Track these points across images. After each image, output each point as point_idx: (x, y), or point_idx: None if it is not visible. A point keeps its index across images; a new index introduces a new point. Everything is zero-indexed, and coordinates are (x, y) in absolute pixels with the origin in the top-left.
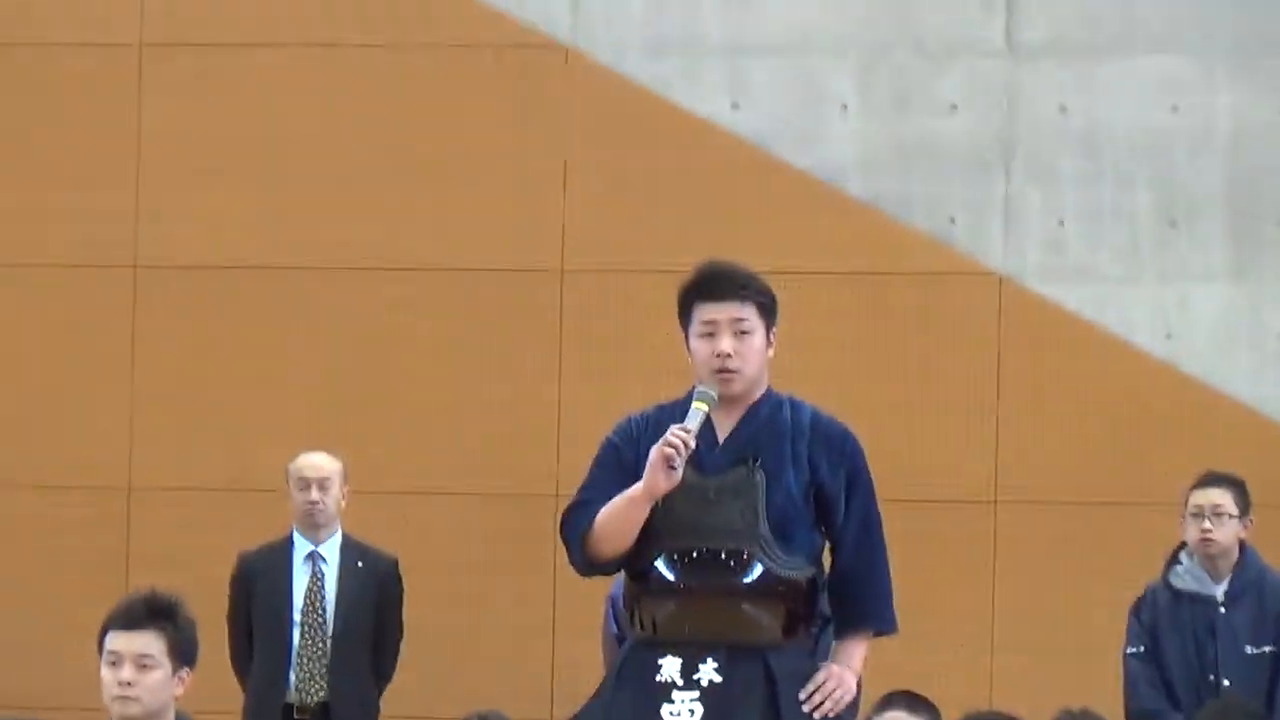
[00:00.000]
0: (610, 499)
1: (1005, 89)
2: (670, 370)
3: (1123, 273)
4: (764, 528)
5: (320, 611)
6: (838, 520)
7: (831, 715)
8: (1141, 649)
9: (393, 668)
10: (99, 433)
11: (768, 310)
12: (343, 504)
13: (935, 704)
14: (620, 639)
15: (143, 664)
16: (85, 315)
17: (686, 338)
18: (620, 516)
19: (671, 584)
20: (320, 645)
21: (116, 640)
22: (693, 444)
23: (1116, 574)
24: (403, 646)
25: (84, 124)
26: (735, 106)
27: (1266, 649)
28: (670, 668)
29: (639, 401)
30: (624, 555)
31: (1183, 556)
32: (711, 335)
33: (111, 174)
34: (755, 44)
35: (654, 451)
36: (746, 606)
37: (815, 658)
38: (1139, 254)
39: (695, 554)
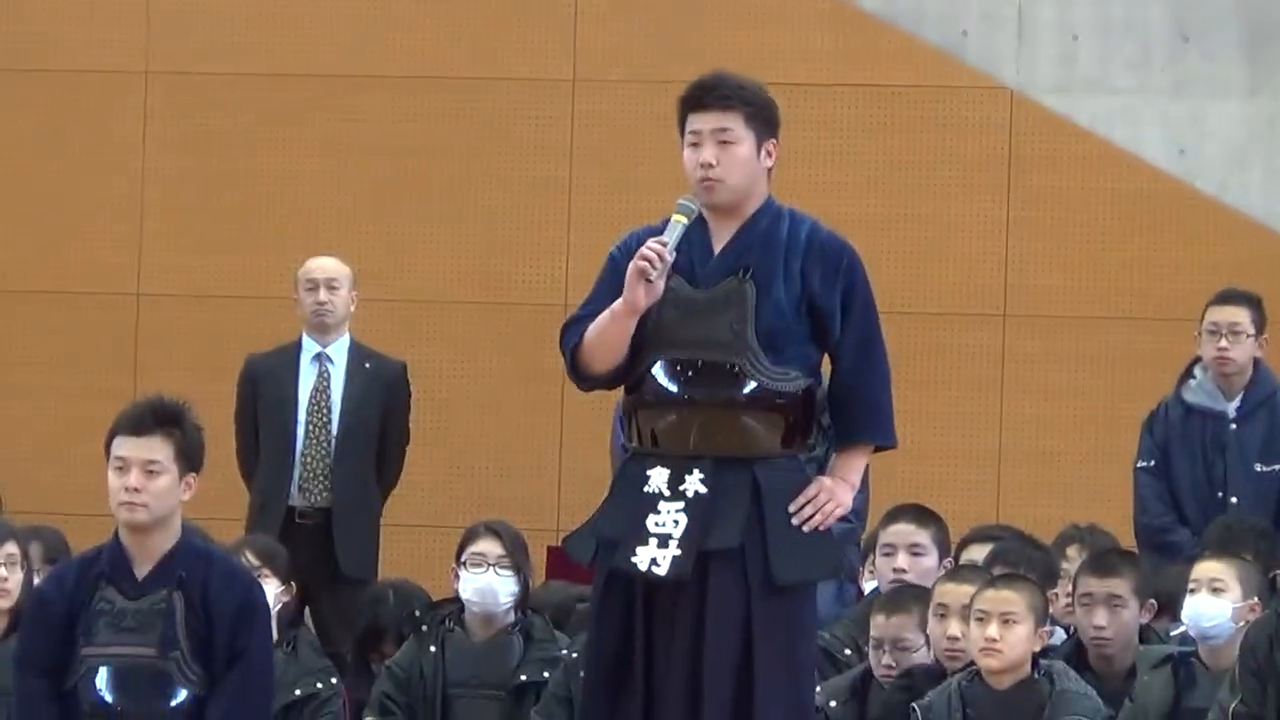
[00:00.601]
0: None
1: None
2: (679, 181)
3: (1135, 87)
4: (752, 339)
5: (325, 412)
6: (834, 334)
7: (822, 528)
8: (1152, 463)
9: (397, 473)
10: (109, 238)
11: (759, 119)
12: (352, 308)
13: (942, 517)
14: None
15: (150, 469)
16: (94, 121)
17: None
18: (605, 331)
19: (667, 394)
20: (324, 446)
21: (123, 446)
22: (670, 256)
23: (1126, 389)
24: (409, 452)
25: None
26: None
27: (1277, 467)
28: (658, 479)
29: (648, 213)
30: (617, 369)
31: (1196, 371)
32: (696, 145)
33: None
34: None
35: (630, 265)
36: (745, 418)
37: (809, 470)
38: (1151, 68)
39: (691, 365)
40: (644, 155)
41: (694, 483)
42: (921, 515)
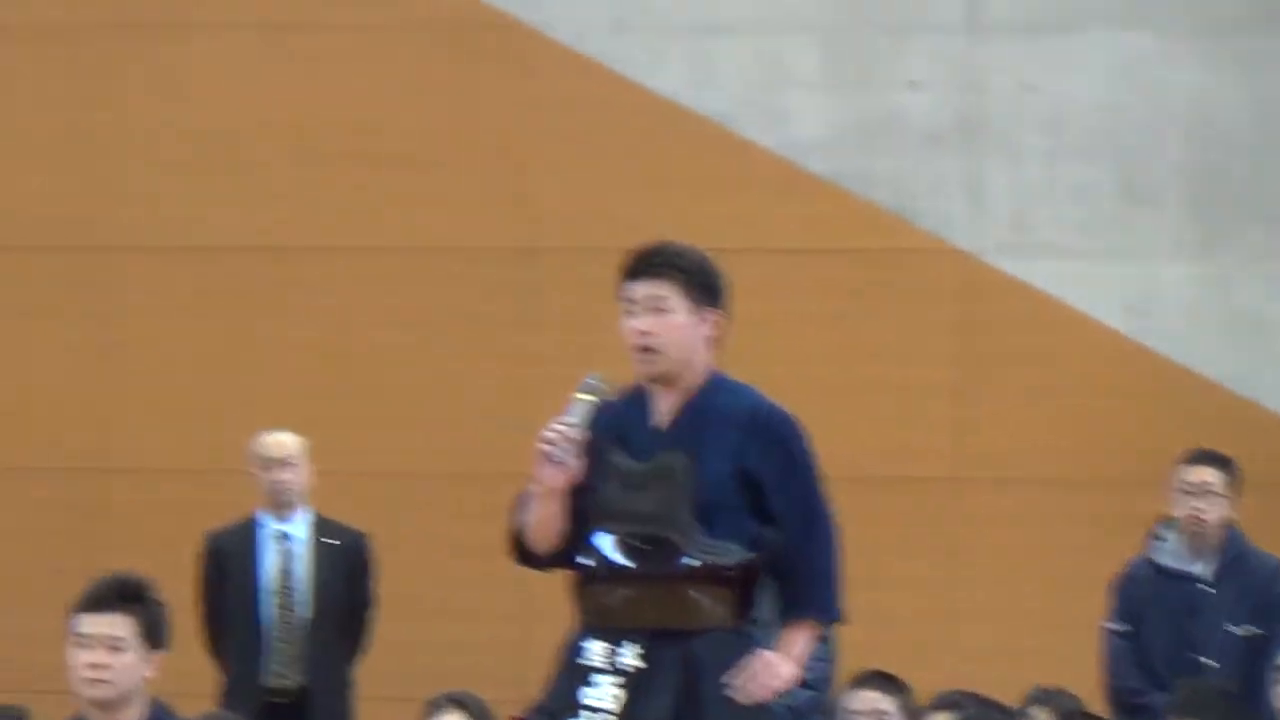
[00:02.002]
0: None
1: (967, 66)
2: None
3: (1086, 249)
4: (685, 514)
5: (291, 592)
6: (775, 506)
7: (757, 701)
8: (1124, 626)
9: (366, 642)
10: (72, 415)
11: (696, 287)
12: (309, 482)
13: (906, 683)
14: None
15: (113, 646)
16: (59, 298)
17: None
18: (535, 511)
19: (609, 568)
20: (294, 628)
21: (85, 623)
22: (572, 435)
23: (1082, 550)
24: (376, 621)
25: (58, 106)
26: (697, 84)
27: (1251, 629)
28: (593, 652)
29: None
30: (556, 549)
31: (1164, 532)
32: (631, 313)
33: (86, 156)
34: (718, 22)
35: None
36: (689, 591)
37: (753, 640)
38: (1102, 230)
39: (631, 539)
40: (599, 325)
41: (630, 656)
42: (887, 683)
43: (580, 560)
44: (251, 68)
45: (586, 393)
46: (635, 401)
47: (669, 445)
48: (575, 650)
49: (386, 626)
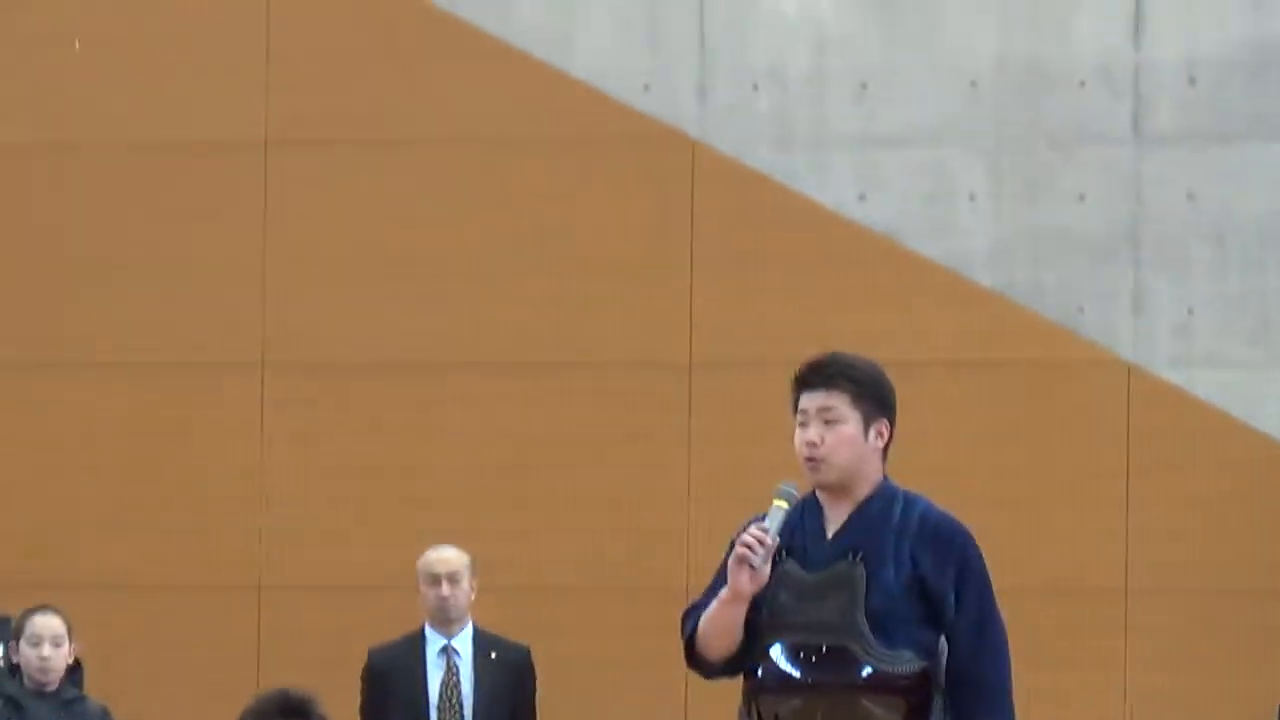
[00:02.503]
0: None
1: (1133, 177)
2: (794, 461)
3: (1253, 359)
4: (861, 622)
5: (457, 706)
6: (949, 616)
7: None
8: None
9: None
10: (229, 531)
11: (867, 398)
12: (472, 597)
13: None
14: None
15: None
16: (216, 412)
17: None
18: (715, 618)
19: (784, 678)
20: None
21: None
22: (772, 541)
23: (1255, 663)
24: None
25: (211, 221)
26: (863, 197)
27: None
28: None
29: (769, 496)
30: (732, 656)
31: None
32: (804, 424)
33: (238, 271)
34: (883, 135)
35: (732, 552)
36: (864, 701)
37: None
38: (1269, 340)
39: (808, 649)
40: (766, 437)
41: None
42: None
43: (753, 669)
44: (415, 183)
45: (782, 499)
46: (806, 511)
47: (841, 554)
48: None
49: None
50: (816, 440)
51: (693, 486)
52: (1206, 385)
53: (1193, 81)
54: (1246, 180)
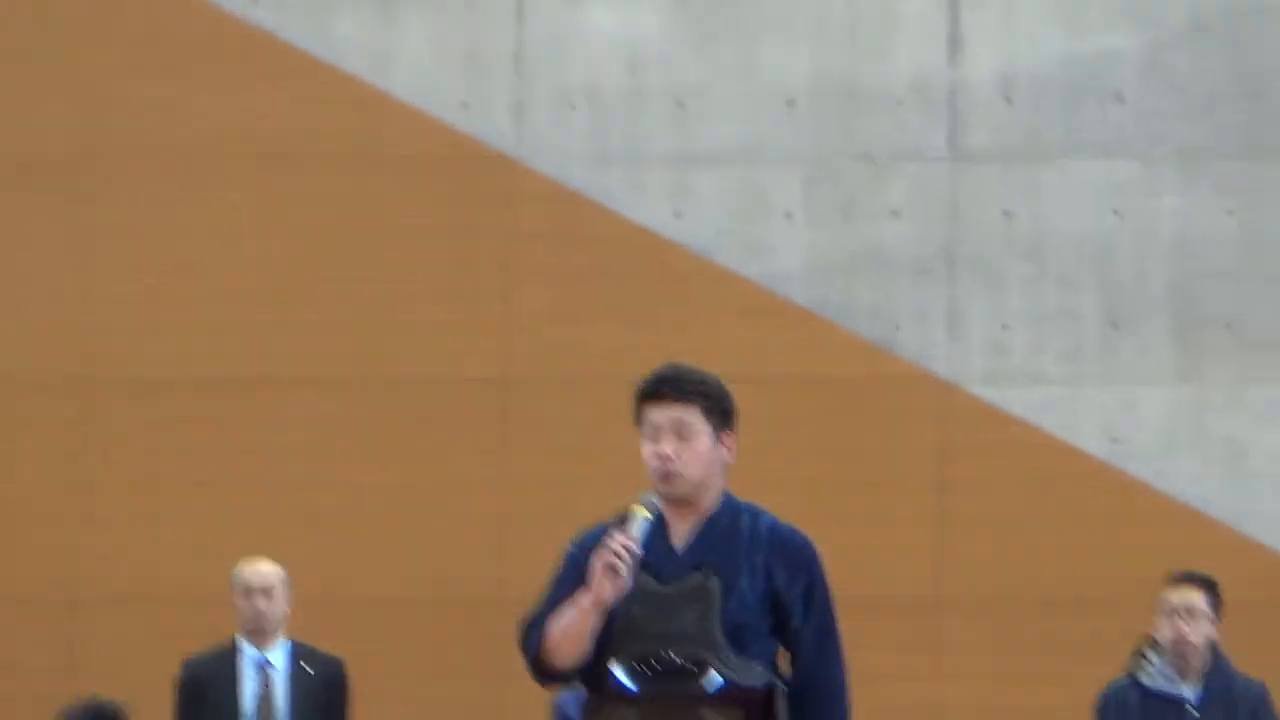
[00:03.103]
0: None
1: (948, 194)
2: (617, 478)
3: (1067, 376)
4: (718, 634)
5: (272, 718)
6: (794, 629)
7: None
8: None
9: None
10: (43, 545)
11: (717, 413)
12: (287, 610)
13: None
14: None
15: None
16: (30, 429)
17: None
18: (570, 626)
19: (628, 693)
20: None
21: None
22: (636, 550)
23: (1064, 676)
24: None
25: (30, 236)
26: (678, 215)
27: None
28: None
29: (585, 510)
30: (580, 664)
31: (1150, 654)
32: (655, 438)
33: (55, 287)
34: (699, 153)
35: (595, 559)
36: (705, 712)
37: None
38: (1083, 358)
39: (653, 662)
40: (580, 452)
41: None
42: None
43: (595, 682)
44: (227, 200)
45: (644, 509)
46: (650, 524)
47: (694, 567)
48: None
49: None
50: (670, 454)
51: (506, 502)
52: (1020, 403)
53: (1009, 100)
54: (1062, 198)
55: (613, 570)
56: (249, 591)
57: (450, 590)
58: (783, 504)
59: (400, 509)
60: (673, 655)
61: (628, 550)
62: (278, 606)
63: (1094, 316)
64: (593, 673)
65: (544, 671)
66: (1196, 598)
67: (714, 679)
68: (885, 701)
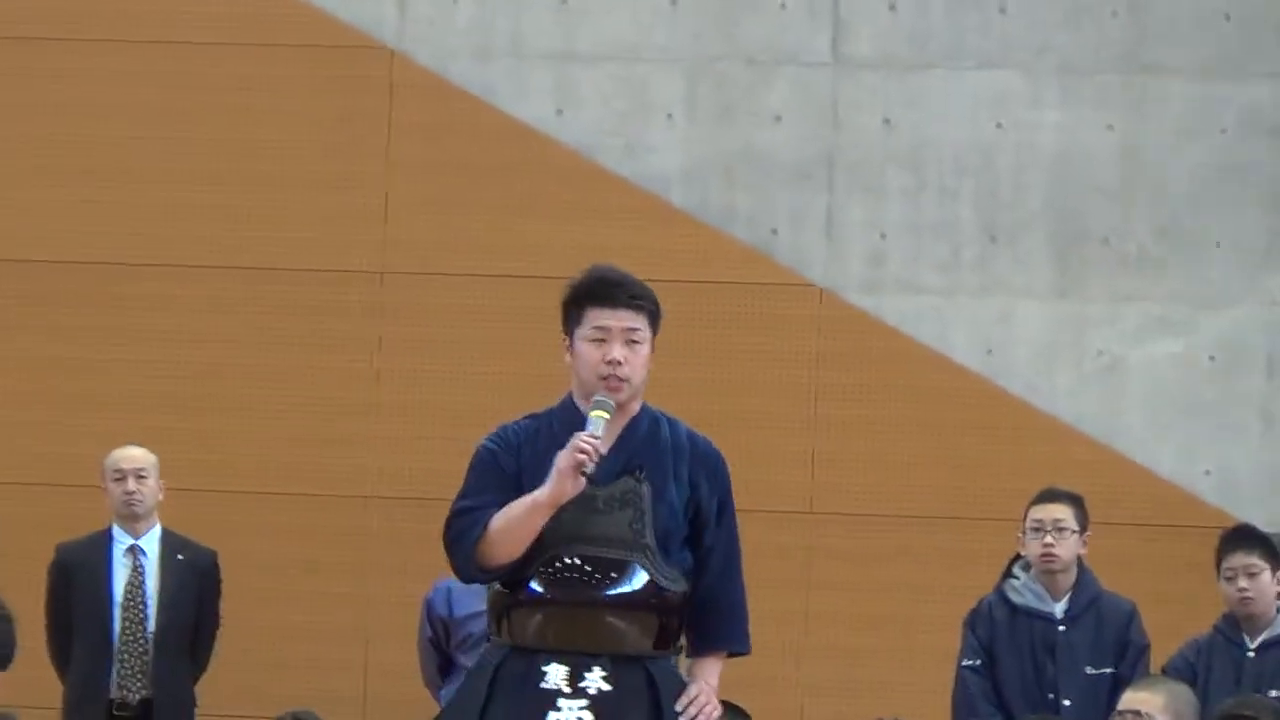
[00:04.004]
0: (493, 505)
1: (830, 101)
2: (482, 373)
3: (944, 287)
4: (650, 538)
5: (141, 606)
6: (706, 540)
7: None
8: (978, 662)
9: (207, 660)
10: None
11: (655, 323)
12: (160, 497)
13: (750, 714)
14: (434, 643)
15: None
16: None
17: (570, 339)
18: (519, 522)
19: (540, 595)
20: (141, 641)
21: None
22: (603, 450)
23: (933, 587)
24: (218, 641)
25: None
26: (560, 113)
27: (1106, 670)
28: (556, 675)
29: (453, 404)
30: (515, 562)
31: (1018, 571)
32: (602, 341)
33: None
34: (582, 52)
35: (563, 458)
36: (612, 619)
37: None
38: (960, 269)
39: (574, 563)
40: (454, 347)
41: (596, 679)
42: (731, 713)
43: (519, 581)
44: (106, 80)
45: (604, 410)
46: (570, 427)
47: (621, 470)
48: (526, 673)
49: (229, 643)
50: (621, 359)
51: (380, 394)
52: (897, 312)
53: (892, 8)
54: (943, 108)
55: (579, 469)
56: (121, 475)
57: (318, 482)
58: (658, 407)
59: (271, 398)
60: (600, 557)
61: (596, 449)
62: (149, 491)
63: (972, 228)
64: (517, 571)
65: (481, 567)
66: (1063, 513)
67: (632, 579)
68: (755, 608)
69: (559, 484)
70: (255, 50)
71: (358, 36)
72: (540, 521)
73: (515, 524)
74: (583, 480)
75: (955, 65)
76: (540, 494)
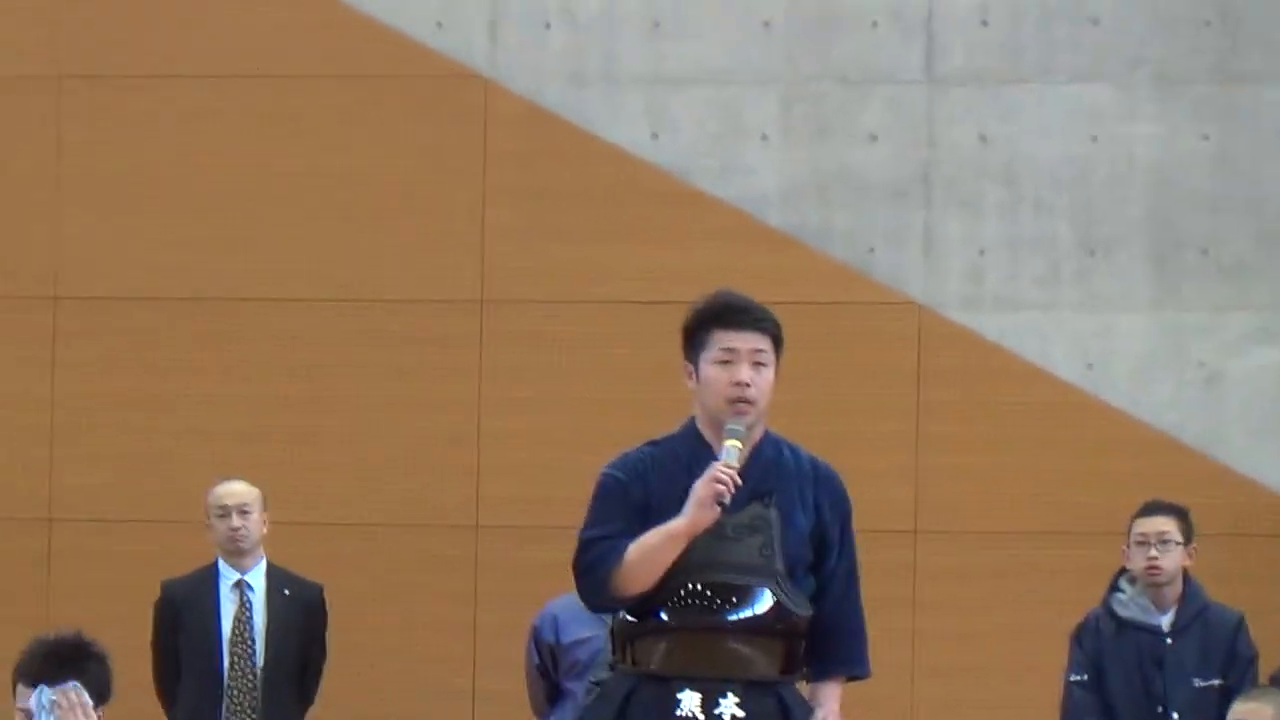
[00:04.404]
0: (623, 534)
1: (925, 118)
2: (584, 399)
3: (1042, 302)
4: (779, 563)
5: (249, 642)
6: (829, 564)
7: None
8: (1085, 676)
9: (314, 693)
10: (18, 464)
11: (780, 347)
12: (264, 531)
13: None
14: (542, 670)
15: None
16: (4, 346)
17: (695, 364)
18: (656, 552)
19: (663, 623)
20: (249, 677)
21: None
22: (739, 480)
23: (1040, 602)
24: (325, 673)
25: (3, 154)
26: (655, 136)
27: (1214, 682)
28: (690, 702)
29: (556, 431)
30: (649, 591)
31: (1124, 584)
32: (729, 363)
33: (31, 204)
34: (675, 75)
35: (701, 488)
36: (736, 644)
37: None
38: (1059, 283)
39: (694, 591)
40: (555, 373)
41: (730, 706)
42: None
43: (647, 610)
44: (206, 119)
45: (736, 439)
46: (696, 454)
47: (749, 497)
48: (658, 699)
49: (336, 676)
50: (749, 381)
51: (481, 423)
52: (996, 327)
53: (984, 24)
54: (1037, 122)
55: (718, 500)
56: (224, 511)
57: (426, 511)
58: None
59: (375, 429)
60: (727, 584)
61: (732, 480)
62: (253, 525)
63: (1070, 242)
64: (647, 600)
65: (614, 596)
66: (1168, 526)
67: (757, 603)
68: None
69: (697, 514)
70: (350, 82)
71: (451, 66)
72: (676, 551)
73: (651, 554)
74: (719, 510)
75: (1049, 79)
76: (677, 524)
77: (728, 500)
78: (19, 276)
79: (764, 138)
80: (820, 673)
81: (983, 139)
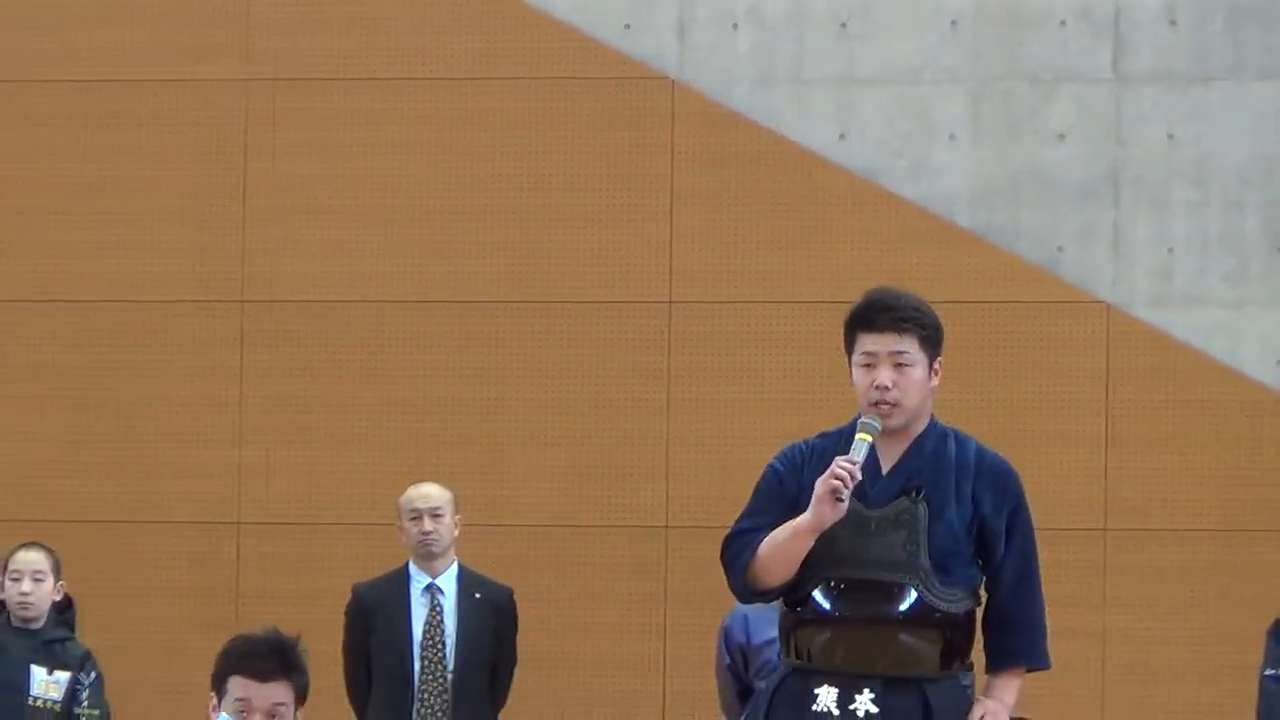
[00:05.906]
0: (767, 527)
1: (1113, 117)
2: (772, 400)
3: (1232, 299)
4: (924, 560)
5: (440, 645)
6: (997, 556)
7: None
8: None
9: (505, 697)
10: (209, 468)
11: (930, 342)
12: (455, 534)
13: None
14: (733, 670)
15: (274, 714)
16: (195, 351)
17: (850, 368)
18: (784, 547)
19: (827, 613)
20: (441, 680)
21: (248, 689)
22: (859, 475)
23: (1232, 602)
24: (515, 675)
25: (191, 160)
26: (843, 137)
27: None
28: (826, 697)
29: (745, 432)
30: (788, 584)
31: None
32: (870, 366)
33: (219, 211)
34: (864, 75)
35: (820, 484)
36: (904, 636)
37: (970, 691)
38: (1247, 281)
39: (852, 583)
40: (743, 375)
41: (865, 702)
42: None
43: (795, 603)
44: (395, 122)
45: (868, 433)
46: (846, 449)
47: (902, 491)
48: (800, 694)
49: (527, 679)
50: (889, 384)
51: (671, 425)
52: (1185, 326)
53: (1173, 23)
54: (1226, 121)
55: (836, 495)
56: (416, 515)
57: (616, 513)
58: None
59: (563, 431)
60: (873, 578)
61: (851, 475)
62: (445, 529)
63: (1258, 239)
64: (794, 591)
65: (753, 589)
66: None
67: (906, 599)
68: (1051, 626)
69: (818, 510)
70: (539, 84)
71: (639, 68)
72: (803, 546)
73: (780, 549)
74: (843, 506)
75: (1237, 77)
76: (801, 520)
77: (845, 496)
78: (208, 281)
79: (952, 137)
80: (995, 664)
81: (1171, 138)
